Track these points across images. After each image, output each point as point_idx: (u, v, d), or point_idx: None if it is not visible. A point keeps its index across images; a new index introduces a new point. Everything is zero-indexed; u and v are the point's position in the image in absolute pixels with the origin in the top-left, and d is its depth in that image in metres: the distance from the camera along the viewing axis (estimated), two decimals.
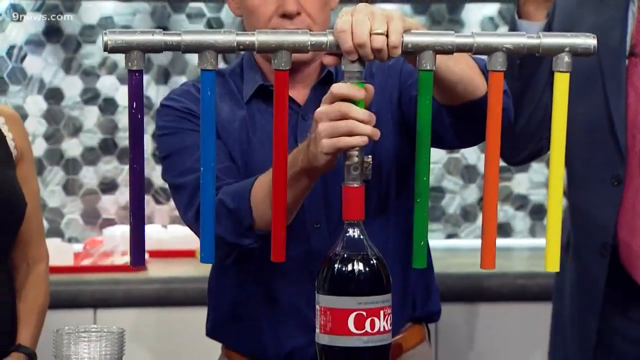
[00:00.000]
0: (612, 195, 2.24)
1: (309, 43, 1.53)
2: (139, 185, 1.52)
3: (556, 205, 1.49)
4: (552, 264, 1.51)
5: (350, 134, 1.57)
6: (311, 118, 1.96)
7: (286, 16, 1.95)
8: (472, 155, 3.79)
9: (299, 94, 2.04)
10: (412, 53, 1.52)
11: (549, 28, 2.25)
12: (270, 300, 2.05)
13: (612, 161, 2.24)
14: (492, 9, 3.76)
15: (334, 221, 1.96)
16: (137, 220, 1.53)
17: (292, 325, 2.03)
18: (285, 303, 2.03)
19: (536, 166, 3.73)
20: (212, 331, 2.16)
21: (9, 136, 2.31)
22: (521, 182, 3.81)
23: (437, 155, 3.71)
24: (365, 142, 1.57)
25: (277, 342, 2.05)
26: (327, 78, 2.01)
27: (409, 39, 1.51)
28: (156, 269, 3.27)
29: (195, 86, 2.07)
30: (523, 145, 2.37)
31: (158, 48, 1.50)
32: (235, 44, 1.51)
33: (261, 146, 2.01)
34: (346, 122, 1.58)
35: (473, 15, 3.76)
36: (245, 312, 2.08)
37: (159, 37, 1.50)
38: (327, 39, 1.53)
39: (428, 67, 1.50)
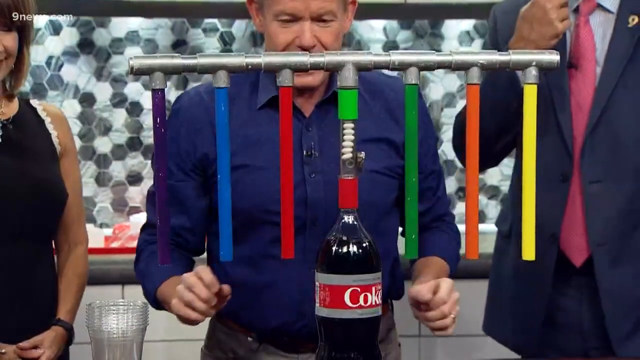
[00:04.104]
0: (560, 190, 2.25)
1: (308, 63, 1.50)
2: (164, 191, 1.49)
3: (530, 203, 1.48)
4: (529, 254, 1.51)
5: (189, 305, 1.79)
6: (313, 130, 1.98)
7: (302, 48, 1.89)
8: (451, 151, 3.80)
9: (307, 107, 2.00)
10: (399, 69, 1.50)
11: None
12: (264, 282, 2.02)
13: (561, 160, 2.24)
14: (469, 24, 3.76)
15: (330, 220, 1.95)
16: (164, 224, 1.50)
17: (281, 306, 2.01)
18: (278, 287, 2.00)
19: (506, 160, 3.70)
20: None
21: (53, 134, 2.32)
22: (493, 175, 3.82)
23: None
24: (200, 318, 1.80)
25: (264, 319, 2.03)
26: (332, 97, 1.97)
27: (397, 57, 1.49)
28: None
29: (201, 92, 2.06)
30: (499, 157, 2.43)
31: (177, 70, 1.47)
32: (245, 64, 1.48)
33: (264, 151, 1.97)
34: (189, 293, 1.78)
35: (452, 29, 3.76)
36: (237, 288, 2.01)
37: (178, 61, 1.47)
38: (324, 59, 1.50)
39: (413, 82, 1.48)
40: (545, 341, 2.31)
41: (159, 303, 2.00)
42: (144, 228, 2.13)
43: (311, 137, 1.98)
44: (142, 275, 2.07)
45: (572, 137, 2.23)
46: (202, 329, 2.19)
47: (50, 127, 2.32)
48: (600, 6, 2.25)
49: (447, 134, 3.80)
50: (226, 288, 1.83)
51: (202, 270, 1.81)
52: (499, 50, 1.51)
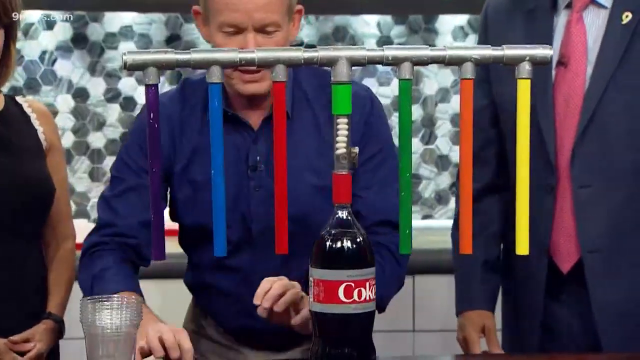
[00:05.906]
0: (546, 202, 2.16)
1: (302, 59, 1.50)
2: (157, 187, 1.49)
3: (523, 199, 1.50)
4: (522, 248, 1.51)
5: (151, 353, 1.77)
6: (260, 143, 1.99)
7: None
8: (445, 146, 3.81)
9: (255, 120, 2.01)
10: (392, 64, 1.50)
11: None
12: (221, 289, 2.06)
13: (544, 171, 2.15)
14: (463, 20, 3.77)
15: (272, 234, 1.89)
16: (158, 219, 1.50)
17: (237, 311, 2.04)
18: (233, 295, 2.04)
19: None
20: (189, 283, 2.18)
21: (39, 130, 2.31)
22: None
23: (414, 147, 3.71)
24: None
25: (226, 320, 2.08)
26: None
27: (390, 52, 1.49)
28: (167, 246, 3.26)
29: (176, 93, 2.07)
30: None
31: (171, 65, 1.47)
32: (238, 60, 1.48)
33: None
34: (161, 350, 1.77)
35: (446, 25, 3.76)
36: (206, 290, 2.10)
37: (171, 56, 1.47)
38: (317, 54, 1.50)
39: (407, 77, 1.48)
40: (542, 349, 2.23)
41: None
42: (98, 229, 2.05)
43: (258, 150, 1.99)
44: (91, 273, 1.99)
45: (554, 146, 2.14)
46: None
47: (36, 123, 2.32)
48: (594, 1, 2.17)
49: (441, 129, 3.81)
50: None
51: (182, 337, 1.78)
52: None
